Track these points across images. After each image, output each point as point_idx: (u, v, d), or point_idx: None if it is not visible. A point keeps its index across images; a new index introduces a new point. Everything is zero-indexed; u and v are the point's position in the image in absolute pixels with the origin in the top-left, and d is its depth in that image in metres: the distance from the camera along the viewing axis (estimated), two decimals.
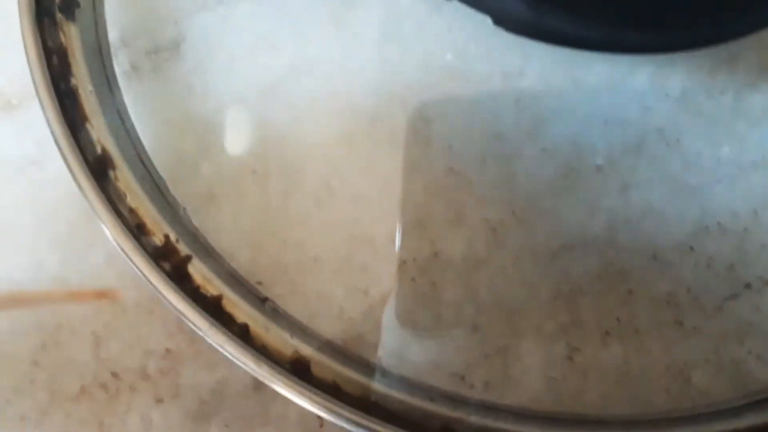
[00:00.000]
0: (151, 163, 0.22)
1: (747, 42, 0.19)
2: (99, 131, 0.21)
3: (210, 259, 0.21)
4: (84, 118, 0.21)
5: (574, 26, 0.17)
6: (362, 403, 0.19)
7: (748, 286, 0.20)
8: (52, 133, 0.20)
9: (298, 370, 0.20)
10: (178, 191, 0.22)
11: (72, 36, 0.21)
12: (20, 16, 0.20)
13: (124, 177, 0.21)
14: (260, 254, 0.22)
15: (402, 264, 0.21)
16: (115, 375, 0.22)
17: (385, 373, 0.20)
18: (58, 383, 0.23)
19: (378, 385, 0.20)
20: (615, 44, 0.18)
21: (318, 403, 0.18)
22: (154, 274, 0.20)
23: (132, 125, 0.22)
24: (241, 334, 0.20)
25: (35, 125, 0.22)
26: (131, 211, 0.21)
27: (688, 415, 0.19)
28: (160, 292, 0.20)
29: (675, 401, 0.20)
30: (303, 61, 0.21)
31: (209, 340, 0.19)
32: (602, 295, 0.20)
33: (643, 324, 0.20)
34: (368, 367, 0.20)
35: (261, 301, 0.21)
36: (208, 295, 0.20)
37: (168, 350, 0.22)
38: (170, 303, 0.19)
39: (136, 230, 0.20)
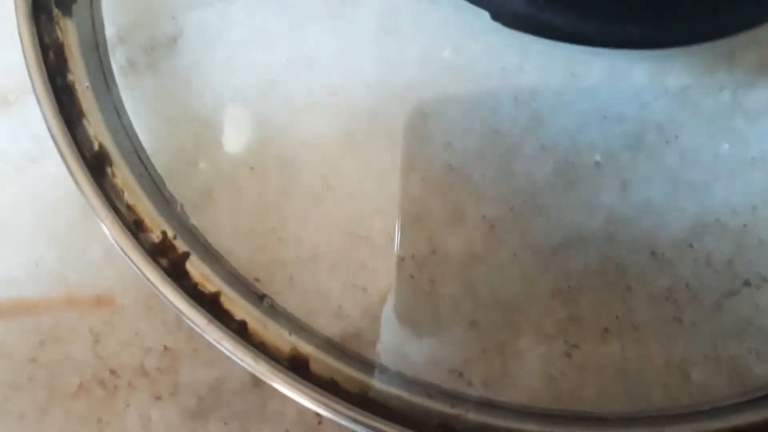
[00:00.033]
0: (149, 159, 0.22)
1: (746, 38, 0.19)
2: (96, 127, 0.21)
3: (208, 256, 0.21)
4: (81, 115, 0.21)
5: (572, 21, 0.17)
6: (360, 400, 0.19)
7: (746, 282, 0.20)
8: (49, 129, 0.20)
9: (297, 367, 0.20)
10: (175, 188, 0.22)
11: (68, 32, 0.21)
12: (16, 11, 0.20)
13: (122, 174, 0.21)
14: (258, 251, 0.22)
15: (400, 261, 0.21)
16: (113, 372, 0.22)
17: (384, 370, 0.20)
18: (57, 380, 0.23)
19: (376, 382, 0.20)
20: (613, 39, 0.18)
21: (316, 400, 0.18)
22: (152, 271, 0.20)
23: (129, 121, 0.22)
24: (239, 331, 0.20)
25: (32, 122, 0.22)
26: (129, 208, 0.21)
27: (686, 412, 0.19)
28: (157, 289, 0.19)
29: (673, 398, 0.20)
30: (301, 57, 0.21)
31: (207, 337, 0.19)
32: (601, 292, 0.20)
33: (642, 321, 0.20)
34: (366, 364, 0.20)
35: (259, 298, 0.21)
36: (206, 292, 0.20)
37: (166, 347, 0.22)
38: (168, 300, 0.19)
39: (134, 227, 0.20)
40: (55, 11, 0.20)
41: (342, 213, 0.21)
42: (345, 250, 0.21)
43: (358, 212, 0.21)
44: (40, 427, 0.23)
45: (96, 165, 0.20)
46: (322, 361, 0.20)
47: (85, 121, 0.21)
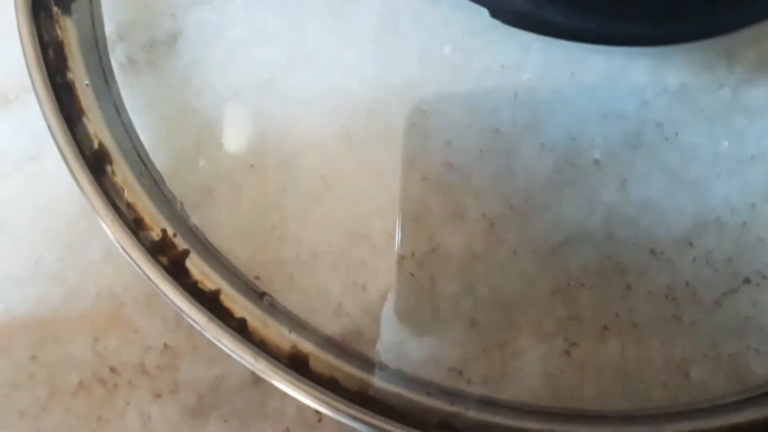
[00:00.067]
0: (149, 157, 0.22)
1: (745, 36, 0.19)
2: (96, 125, 0.21)
3: (208, 254, 0.21)
4: (80, 113, 0.20)
5: (571, 18, 0.17)
6: (360, 398, 0.19)
7: (746, 280, 0.20)
8: (49, 127, 0.20)
9: (296, 364, 0.20)
10: (175, 186, 0.22)
11: (68, 29, 0.21)
12: (16, 9, 0.20)
13: (122, 171, 0.21)
14: (258, 249, 0.22)
15: (400, 259, 0.21)
16: (113, 370, 0.22)
17: (384, 368, 0.20)
18: (57, 378, 0.23)
19: (376, 380, 0.20)
20: (612, 36, 0.18)
21: (316, 398, 0.18)
22: (152, 268, 0.20)
23: (129, 119, 0.22)
24: (239, 329, 0.20)
25: (32, 120, 0.22)
26: (129, 205, 0.21)
27: (686, 410, 0.19)
28: (157, 287, 0.19)
29: (673, 396, 0.20)
30: (301, 55, 0.21)
31: (207, 335, 0.19)
32: (600, 290, 0.20)
33: (642, 319, 0.20)
34: (366, 362, 0.20)
35: (259, 296, 0.21)
36: (206, 289, 0.20)
37: (166, 345, 0.22)
38: (168, 298, 0.19)
39: (134, 225, 0.20)
40: (55, 9, 0.20)
41: (342, 211, 0.21)
42: (345, 249, 0.21)
43: (357, 210, 0.21)
44: (40, 425, 0.23)
45: (96, 163, 0.20)
46: (321, 359, 0.20)
47: (84, 119, 0.21)
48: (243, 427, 0.22)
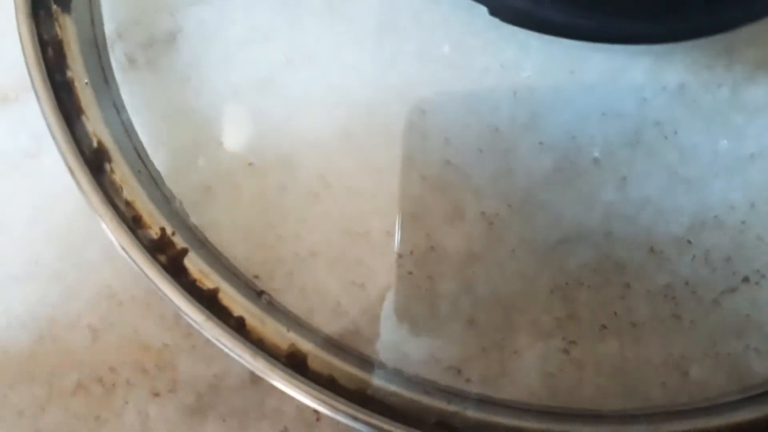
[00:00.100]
0: (147, 156, 0.22)
1: (744, 34, 0.19)
2: (95, 124, 0.21)
3: (206, 253, 0.21)
4: (80, 111, 0.20)
5: (570, 16, 0.17)
6: (359, 397, 0.19)
7: (745, 279, 0.19)
8: (48, 125, 0.20)
9: (295, 363, 0.20)
10: (174, 184, 0.22)
11: (67, 28, 0.21)
12: (15, 7, 0.20)
13: (121, 170, 0.21)
14: (256, 248, 0.22)
15: (399, 258, 0.21)
16: (111, 369, 0.22)
17: (382, 367, 0.20)
18: (55, 377, 0.23)
19: (375, 379, 0.19)
20: (611, 34, 0.18)
21: (314, 397, 0.18)
22: (150, 267, 0.20)
23: (128, 118, 0.22)
24: (237, 328, 0.20)
25: (31, 119, 0.22)
26: (127, 204, 0.20)
27: (685, 409, 0.19)
28: (156, 286, 0.19)
29: (672, 395, 0.20)
30: (300, 54, 0.21)
31: (205, 334, 0.19)
32: (599, 289, 0.20)
33: (640, 318, 0.20)
34: (365, 361, 0.20)
35: (257, 295, 0.21)
36: (204, 288, 0.20)
37: (165, 344, 0.22)
38: (166, 296, 0.19)
39: (133, 224, 0.20)
40: (54, 8, 0.20)
41: (340, 210, 0.21)
42: (343, 247, 0.21)
43: (356, 209, 0.21)
44: (39, 424, 0.23)
45: (95, 162, 0.20)
46: (320, 358, 0.20)
47: (83, 118, 0.21)
48: (241, 426, 0.22)
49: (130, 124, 0.22)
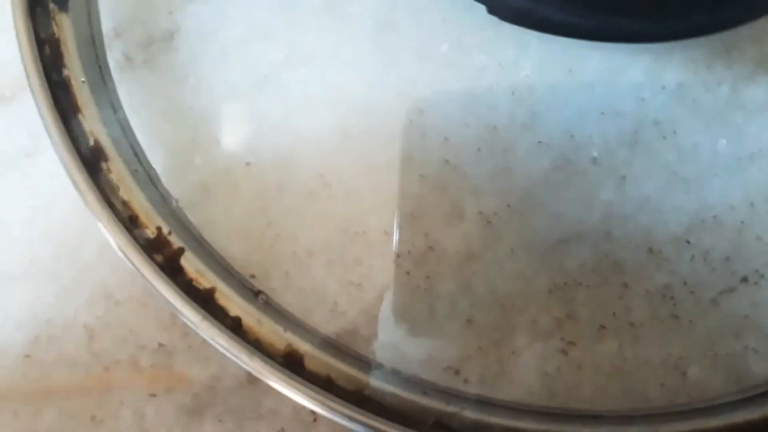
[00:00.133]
0: (144, 154, 0.22)
1: (743, 33, 0.19)
2: (91, 123, 0.21)
3: (203, 252, 0.21)
4: (76, 110, 0.20)
5: (569, 15, 0.17)
6: (356, 398, 0.19)
7: (744, 279, 0.19)
8: (44, 124, 0.20)
9: (292, 364, 0.19)
10: (171, 183, 0.22)
11: (64, 26, 0.20)
12: (12, 5, 0.20)
13: (117, 169, 0.21)
14: (253, 247, 0.21)
15: (397, 257, 0.21)
16: (107, 369, 0.22)
17: (380, 367, 0.20)
18: (51, 377, 0.22)
19: (372, 380, 0.19)
20: (610, 33, 0.18)
21: (311, 398, 0.18)
22: (147, 267, 0.19)
23: (125, 117, 0.22)
24: (234, 328, 0.20)
25: (28, 117, 0.21)
26: (124, 203, 0.20)
27: (683, 409, 0.19)
28: (152, 285, 0.19)
29: (670, 396, 0.19)
30: (297, 52, 0.21)
31: (201, 334, 0.19)
32: (598, 289, 0.20)
33: (639, 318, 0.20)
34: (362, 362, 0.20)
35: (254, 295, 0.21)
36: (201, 288, 0.20)
37: (161, 344, 0.22)
38: (162, 296, 0.19)
39: (129, 223, 0.20)
40: (51, 6, 0.20)
41: (338, 209, 0.21)
42: (341, 247, 0.21)
43: (354, 208, 0.21)
44: (34, 424, 0.22)
45: (91, 160, 0.20)
46: (317, 358, 0.20)
47: (80, 116, 0.20)
48: (238, 426, 0.21)
49: (127, 123, 0.22)
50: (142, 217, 0.20)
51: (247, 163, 0.22)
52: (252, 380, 0.21)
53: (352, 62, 0.21)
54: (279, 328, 0.20)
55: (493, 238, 0.20)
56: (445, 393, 0.19)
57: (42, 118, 0.20)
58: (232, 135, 0.22)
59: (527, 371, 0.20)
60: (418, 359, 0.20)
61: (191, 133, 0.22)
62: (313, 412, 0.20)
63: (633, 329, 0.20)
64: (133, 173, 0.21)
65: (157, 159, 0.22)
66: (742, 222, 0.19)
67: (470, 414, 0.19)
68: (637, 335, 0.20)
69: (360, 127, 0.21)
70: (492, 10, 0.18)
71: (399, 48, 0.21)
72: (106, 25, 0.22)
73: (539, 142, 0.20)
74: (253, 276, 0.21)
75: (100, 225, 0.20)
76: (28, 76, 0.20)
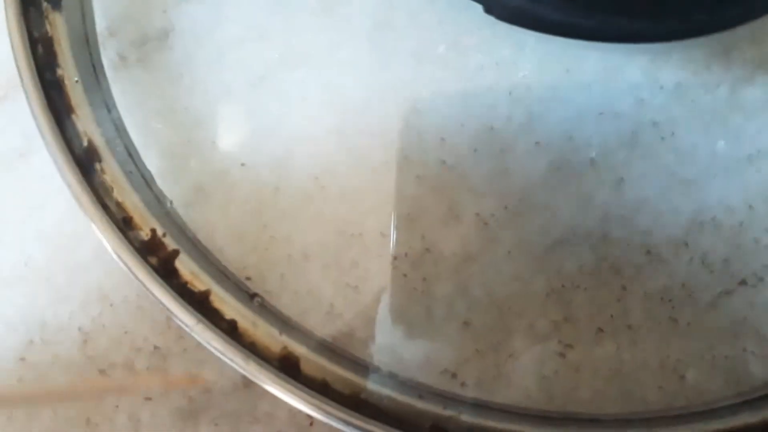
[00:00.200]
0: (138, 155, 0.21)
1: (742, 34, 0.19)
2: (85, 123, 0.20)
3: (198, 254, 0.21)
4: (70, 110, 0.20)
5: (566, 14, 0.17)
6: (352, 402, 0.19)
7: (743, 282, 0.19)
8: (37, 124, 0.20)
9: (287, 367, 0.19)
10: (165, 185, 0.21)
11: (58, 25, 0.20)
12: (5, 4, 0.20)
13: (111, 170, 0.20)
14: (249, 249, 0.21)
15: (394, 259, 0.20)
16: (102, 372, 0.22)
17: (376, 371, 0.20)
18: (46, 381, 0.22)
19: (368, 383, 0.19)
20: (608, 33, 0.17)
21: (307, 402, 0.18)
22: (141, 269, 0.19)
23: (119, 117, 0.22)
24: (229, 331, 0.20)
25: (21, 117, 0.21)
26: (118, 205, 0.20)
27: (682, 413, 0.19)
28: (146, 288, 0.19)
29: (669, 399, 0.19)
30: (293, 52, 0.21)
31: (196, 337, 0.19)
32: (595, 291, 0.20)
33: (637, 320, 0.20)
34: (359, 365, 0.20)
35: (249, 297, 0.21)
36: (196, 290, 0.20)
37: (156, 347, 0.22)
38: (157, 299, 0.19)
39: (123, 225, 0.20)
40: (45, 5, 0.20)
41: (334, 211, 0.21)
42: (337, 249, 0.21)
43: (350, 210, 0.21)
44: (29, 428, 0.22)
45: (85, 161, 0.20)
46: (313, 361, 0.20)
47: (74, 117, 0.20)
48: (234, 430, 0.21)
49: (121, 123, 0.22)
50: (137, 219, 0.20)
51: (243, 165, 0.21)
52: (247, 384, 0.21)
53: (349, 63, 0.21)
54: (275, 331, 0.20)
55: (490, 239, 0.20)
56: (442, 396, 0.19)
57: (35, 118, 0.20)
58: (228, 136, 0.22)
59: (525, 374, 0.20)
60: (414, 362, 0.20)
61: (186, 133, 0.22)
62: (309, 416, 0.20)
63: (631, 332, 0.20)
64: (128, 174, 0.21)
65: (151, 160, 0.22)
66: (741, 224, 0.19)
67: (467, 418, 0.19)
68: (635, 338, 0.20)
69: (356, 127, 0.21)
70: (489, 10, 0.18)
71: (396, 48, 0.21)
72: (100, 24, 0.22)
73: (537, 142, 0.20)
74: (248, 278, 0.21)
75: (93, 226, 0.19)
76: (21, 76, 0.20)
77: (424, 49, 0.20)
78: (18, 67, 0.20)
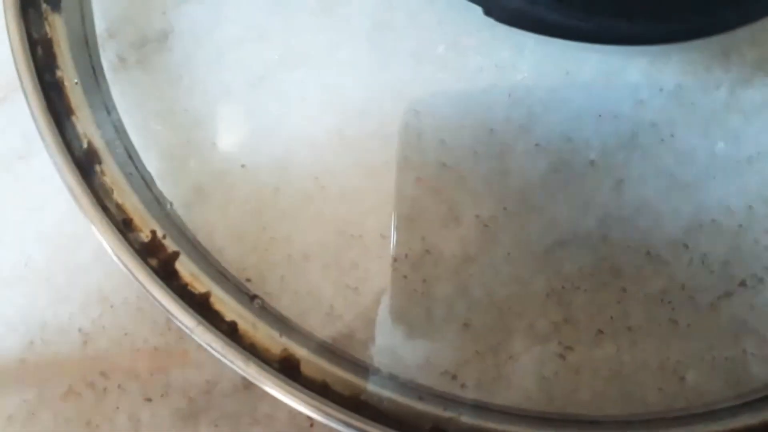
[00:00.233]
0: (138, 157, 0.21)
1: (741, 36, 0.19)
2: (85, 125, 0.20)
3: (198, 256, 0.21)
4: (69, 111, 0.20)
5: (566, 16, 0.17)
6: (352, 403, 0.19)
7: (742, 283, 0.19)
8: (37, 126, 0.20)
9: (287, 369, 0.19)
10: (165, 186, 0.21)
11: (57, 27, 0.20)
12: (4, 6, 0.20)
13: (111, 172, 0.20)
14: (249, 250, 0.21)
15: (394, 261, 0.20)
16: (103, 374, 0.22)
17: (376, 372, 0.20)
18: (46, 382, 0.22)
19: (368, 385, 0.19)
20: (608, 35, 0.17)
21: (307, 404, 0.18)
22: (141, 271, 0.19)
23: (119, 118, 0.22)
24: (229, 333, 0.20)
25: (21, 119, 0.21)
26: (118, 206, 0.20)
27: (682, 414, 0.19)
28: (146, 290, 0.19)
29: (669, 400, 0.19)
30: (293, 52, 0.21)
31: (197, 339, 0.19)
32: (595, 293, 0.20)
33: (637, 322, 0.20)
34: (359, 366, 0.20)
35: (249, 299, 0.21)
36: (196, 292, 0.20)
37: (157, 348, 0.22)
38: (157, 300, 0.19)
39: (123, 226, 0.20)
40: (44, 6, 0.20)
41: (334, 212, 0.21)
42: (337, 250, 0.21)
43: (350, 211, 0.21)
44: (29, 429, 0.22)
45: (85, 163, 0.20)
46: (313, 363, 0.20)
47: (73, 118, 0.20)
48: (233, 431, 0.21)
49: (121, 124, 0.22)
50: (137, 221, 0.20)
51: (242, 166, 0.21)
52: (248, 385, 0.21)
53: (348, 63, 0.21)
54: (275, 333, 0.20)
55: (489, 241, 0.20)
56: (442, 398, 0.19)
57: (35, 120, 0.20)
58: (227, 137, 0.22)
59: (524, 376, 0.20)
60: (414, 364, 0.20)
61: (186, 134, 0.22)
62: (309, 418, 0.20)
63: (631, 333, 0.20)
64: (127, 176, 0.21)
65: (151, 161, 0.22)
66: (740, 225, 0.19)
67: (467, 419, 0.19)
68: (635, 339, 0.20)
69: (356, 129, 0.21)
70: (488, 12, 0.18)
71: (395, 49, 0.20)
72: (100, 26, 0.22)
73: (536, 144, 0.20)
74: (248, 280, 0.21)
75: (94, 228, 0.19)
76: (20, 78, 0.20)
77: (423, 49, 0.20)
78: (17, 68, 0.20)
